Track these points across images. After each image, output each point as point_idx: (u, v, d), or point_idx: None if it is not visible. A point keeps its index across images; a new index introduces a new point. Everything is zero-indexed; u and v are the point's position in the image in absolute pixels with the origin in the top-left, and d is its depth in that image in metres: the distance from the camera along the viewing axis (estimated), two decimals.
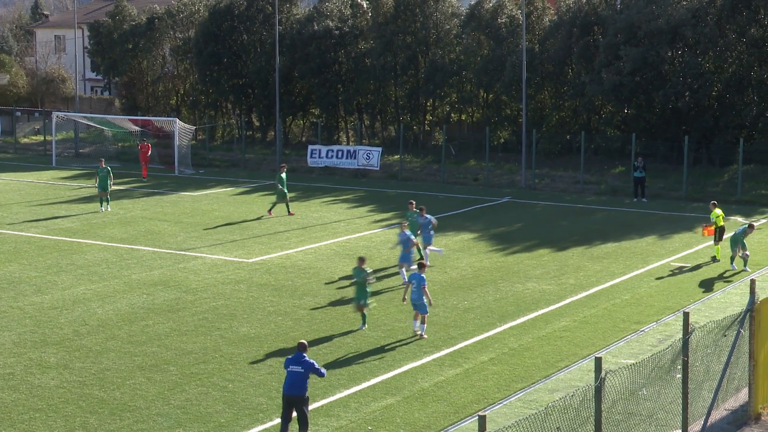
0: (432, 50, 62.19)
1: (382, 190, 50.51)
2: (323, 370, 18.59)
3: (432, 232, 32.80)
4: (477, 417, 14.03)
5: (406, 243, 30.09)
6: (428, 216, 32.93)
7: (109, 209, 43.53)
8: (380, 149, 56.07)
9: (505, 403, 20.65)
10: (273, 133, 67.06)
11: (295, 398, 18.08)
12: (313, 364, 18.34)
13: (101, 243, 36.71)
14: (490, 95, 61.31)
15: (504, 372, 22.48)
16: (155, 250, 35.46)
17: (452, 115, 65.79)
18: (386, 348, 24.23)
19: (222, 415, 19.90)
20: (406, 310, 27.49)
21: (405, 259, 30.05)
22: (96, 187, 44.26)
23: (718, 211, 34.50)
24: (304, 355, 18.35)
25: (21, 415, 19.91)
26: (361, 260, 26.02)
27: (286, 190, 42.27)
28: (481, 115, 62.76)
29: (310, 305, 28.10)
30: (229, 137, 69.45)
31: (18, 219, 41.62)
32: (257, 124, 71.10)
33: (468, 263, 33.50)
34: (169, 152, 58.47)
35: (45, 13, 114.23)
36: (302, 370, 18.16)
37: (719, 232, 34.22)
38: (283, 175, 42.54)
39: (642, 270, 32.44)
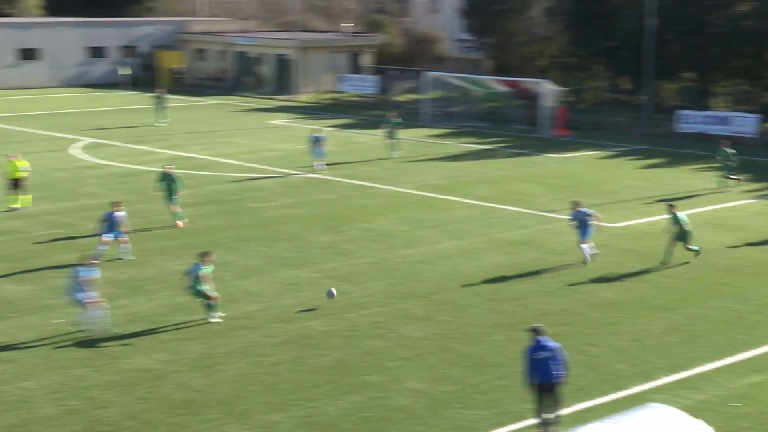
0: None
1: (758, 159, 48.16)
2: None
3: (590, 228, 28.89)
4: None
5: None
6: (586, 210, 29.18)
7: (395, 155, 47.29)
8: (758, 116, 53.44)
9: None
10: (642, 96, 65.68)
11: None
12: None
13: (467, 201, 37.55)
14: None
15: None
16: (519, 210, 35.83)
17: None
18: (752, 324, 23.25)
19: (581, 379, 19.87)
20: None
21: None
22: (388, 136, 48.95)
23: None
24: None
25: (390, 362, 20.85)
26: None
27: (730, 163, 40.11)
28: None
29: (674, 274, 27.45)
30: (597, 100, 68.74)
31: (386, 175, 43.25)
32: (626, 87, 69.87)
33: None
34: (536, 113, 58.75)
35: None
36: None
37: None
38: (729, 150, 40.26)
39: None
